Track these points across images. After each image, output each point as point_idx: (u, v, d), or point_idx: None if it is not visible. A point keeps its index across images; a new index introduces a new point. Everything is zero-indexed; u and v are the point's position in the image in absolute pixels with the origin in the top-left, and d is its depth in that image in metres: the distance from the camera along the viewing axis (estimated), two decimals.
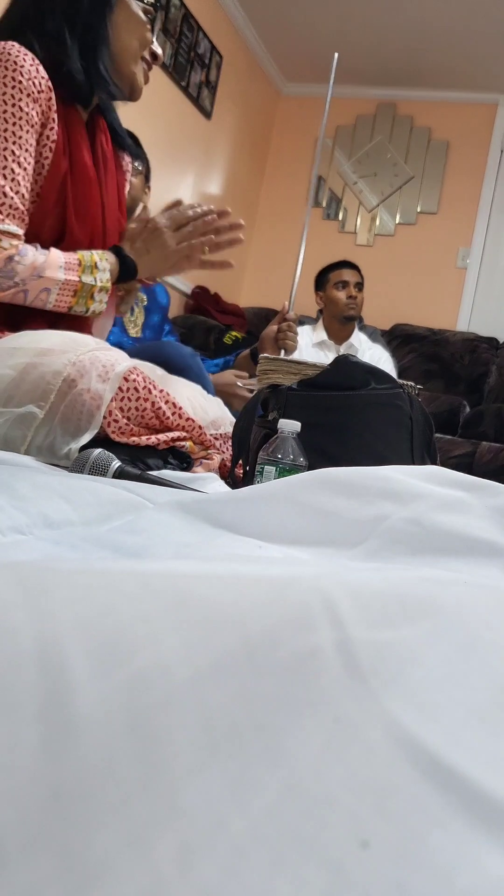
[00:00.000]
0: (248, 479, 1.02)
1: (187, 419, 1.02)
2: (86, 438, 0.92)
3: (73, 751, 0.17)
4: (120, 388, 0.95)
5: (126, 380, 0.96)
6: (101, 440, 0.94)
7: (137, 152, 1.35)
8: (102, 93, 1.15)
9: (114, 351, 1.02)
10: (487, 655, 0.26)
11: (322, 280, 2.74)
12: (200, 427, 1.05)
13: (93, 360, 0.95)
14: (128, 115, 1.95)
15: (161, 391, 1.00)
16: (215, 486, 0.92)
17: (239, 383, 1.57)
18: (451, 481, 0.54)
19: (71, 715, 0.17)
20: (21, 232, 1.07)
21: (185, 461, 1.03)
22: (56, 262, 1.08)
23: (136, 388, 0.96)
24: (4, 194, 1.04)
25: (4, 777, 0.16)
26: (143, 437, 0.97)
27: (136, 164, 1.76)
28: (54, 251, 1.10)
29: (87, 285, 1.10)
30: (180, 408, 1.02)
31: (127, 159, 1.33)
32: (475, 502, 0.51)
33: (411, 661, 0.25)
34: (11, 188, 1.04)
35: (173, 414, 1.00)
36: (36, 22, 1.09)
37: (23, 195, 1.07)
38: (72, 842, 0.16)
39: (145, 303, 1.81)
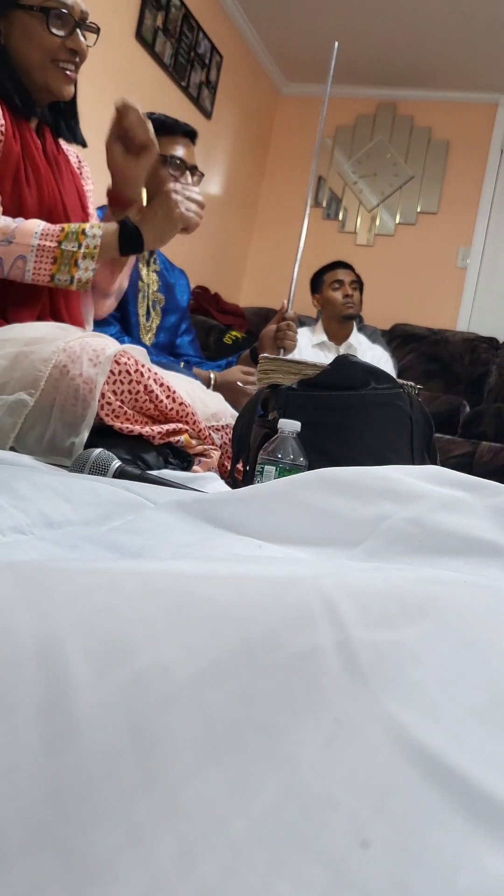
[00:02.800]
0: (248, 479, 1.02)
1: (181, 403, 1.02)
2: (86, 430, 0.92)
3: (74, 751, 0.17)
4: (112, 372, 0.95)
5: (117, 363, 0.96)
6: (102, 434, 0.95)
7: (77, 138, 1.31)
8: (29, 106, 1.15)
9: (103, 337, 1.02)
10: (487, 655, 0.26)
11: (318, 282, 2.75)
12: (194, 414, 1.05)
13: (83, 345, 0.96)
14: None
15: (154, 373, 1.00)
16: (215, 485, 0.92)
17: (239, 383, 1.57)
18: (451, 481, 0.54)
19: (71, 715, 0.17)
20: None
21: (185, 460, 1.03)
22: (31, 230, 1.04)
23: (127, 371, 0.97)
24: None
25: (5, 777, 0.16)
26: (138, 426, 0.97)
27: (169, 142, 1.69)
28: (33, 220, 1.06)
29: (68, 252, 1.05)
30: (174, 391, 1.02)
31: (73, 157, 1.32)
32: (475, 502, 0.51)
33: (411, 661, 0.25)
34: None
35: (167, 397, 1.00)
36: None
37: None
38: (72, 841, 0.16)
39: (163, 304, 1.78)
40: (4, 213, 1.11)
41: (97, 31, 1.18)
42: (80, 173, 1.33)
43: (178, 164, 1.66)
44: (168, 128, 1.68)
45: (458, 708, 0.23)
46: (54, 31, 1.12)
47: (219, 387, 1.61)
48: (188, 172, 1.68)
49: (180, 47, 3.07)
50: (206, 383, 1.62)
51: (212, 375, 1.64)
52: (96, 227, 1.08)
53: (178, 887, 0.16)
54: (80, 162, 1.34)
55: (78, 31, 1.14)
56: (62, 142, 1.29)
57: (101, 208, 1.61)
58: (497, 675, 0.25)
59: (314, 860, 0.18)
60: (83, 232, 1.07)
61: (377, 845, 0.19)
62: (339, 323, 2.72)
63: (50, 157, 1.22)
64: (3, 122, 1.11)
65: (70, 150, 1.32)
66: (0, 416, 0.91)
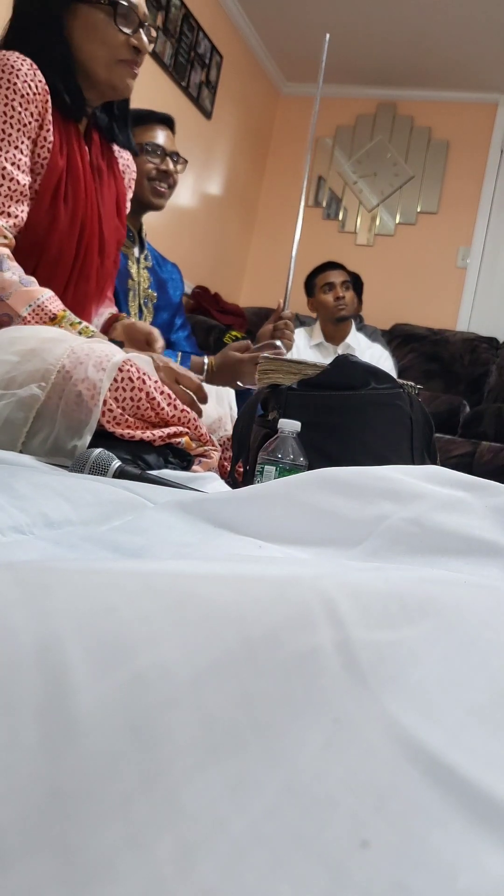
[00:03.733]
0: (248, 479, 1.02)
1: (182, 410, 1.02)
2: (88, 434, 0.92)
3: (73, 751, 0.17)
4: (115, 379, 0.96)
5: (120, 370, 0.96)
6: (103, 436, 0.95)
7: (129, 144, 1.31)
8: (79, 106, 1.15)
9: (108, 344, 1.02)
10: (487, 655, 0.26)
11: (310, 286, 2.72)
12: (196, 419, 1.05)
13: (89, 352, 0.96)
14: None
15: (156, 381, 1.00)
16: (215, 485, 0.92)
17: (239, 383, 1.57)
18: (451, 481, 0.54)
19: (71, 715, 0.17)
20: (4, 224, 1.07)
21: (185, 460, 1.03)
22: (29, 297, 1.05)
23: (130, 379, 0.97)
24: None
25: (4, 777, 0.16)
26: (139, 432, 0.97)
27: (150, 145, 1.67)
28: (37, 289, 1.06)
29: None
30: (175, 398, 1.02)
31: (122, 160, 1.33)
32: (475, 502, 0.50)
33: (411, 661, 0.25)
34: None
35: (168, 405, 1.00)
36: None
37: (9, 189, 1.07)
38: (72, 842, 0.16)
39: (155, 301, 1.77)
40: (37, 227, 1.12)
41: (155, 40, 1.18)
42: (124, 176, 1.33)
43: (156, 151, 1.64)
44: (141, 118, 1.66)
45: (459, 708, 0.23)
46: (121, 27, 1.12)
47: (215, 371, 1.60)
48: (168, 159, 1.66)
49: (180, 47, 3.07)
50: (201, 369, 1.61)
51: (206, 360, 1.63)
52: (91, 333, 1.09)
53: (178, 888, 0.16)
54: (127, 166, 1.34)
55: (141, 30, 1.14)
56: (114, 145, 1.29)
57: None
58: (497, 675, 0.25)
59: (314, 860, 0.18)
60: (79, 331, 1.07)
61: (377, 845, 0.18)
62: (334, 325, 2.70)
63: (94, 165, 1.22)
64: (52, 139, 1.11)
65: (122, 152, 1.33)
66: (11, 411, 0.91)
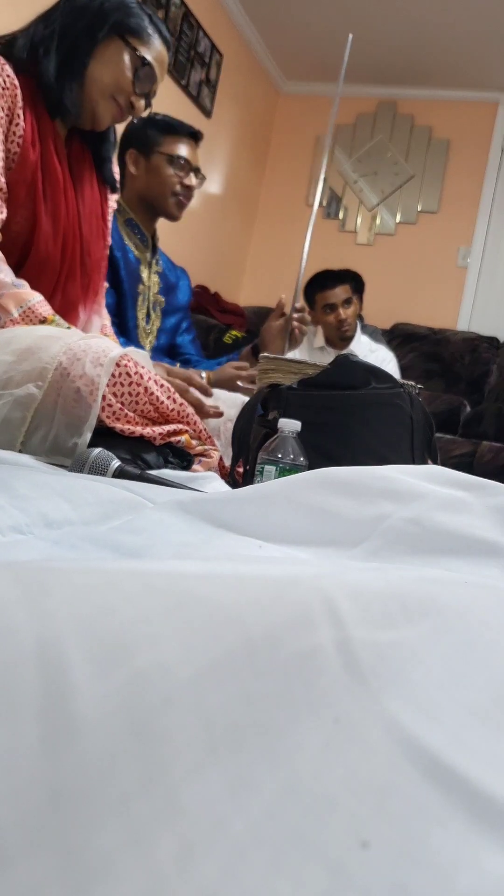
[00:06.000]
0: (248, 479, 1.03)
1: (181, 403, 1.02)
2: (88, 431, 0.92)
3: (73, 751, 0.17)
4: (113, 374, 0.96)
5: (118, 365, 0.96)
6: (103, 434, 0.95)
7: (115, 185, 1.35)
8: (58, 96, 1.16)
9: (105, 339, 1.02)
10: (487, 655, 0.26)
11: (310, 299, 2.53)
12: (194, 414, 1.05)
13: (86, 348, 0.96)
14: None
15: (153, 374, 1.01)
16: (215, 485, 0.92)
17: (239, 383, 1.57)
18: (452, 481, 0.54)
19: (71, 715, 0.17)
20: None
21: (185, 459, 1.03)
22: (20, 299, 1.06)
23: (127, 373, 0.97)
24: None
25: (5, 777, 0.16)
26: (139, 427, 0.97)
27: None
28: (28, 291, 1.07)
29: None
30: (173, 392, 1.02)
31: (112, 196, 1.34)
32: (475, 502, 0.50)
33: (411, 661, 0.25)
34: None
35: (168, 398, 1.00)
36: (34, 30, 1.17)
37: None
38: (72, 841, 0.16)
39: (163, 306, 1.78)
40: (16, 229, 1.12)
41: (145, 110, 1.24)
42: (107, 199, 1.34)
43: (183, 165, 1.68)
44: (173, 128, 1.71)
45: (459, 708, 0.23)
46: (136, 76, 1.18)
47: (212, 385, 1.61)
48: (192, 174, 1.70)
49: (180, 46, 3.07)
50: None
51: (203, 374, 1.64)
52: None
53: (178, 887, 0.16)
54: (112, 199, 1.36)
55: (147, 95, 1.20)
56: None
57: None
58: (498, 674, 0.25)
59: (314, 860, 0.18)
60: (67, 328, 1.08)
61: (377, 845, 0.19)
62: (338, 341, 2.65)
63: (74, 171, 1.23)
64: (21, 133, 1.12)
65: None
66: (8, 411, 0.91)
